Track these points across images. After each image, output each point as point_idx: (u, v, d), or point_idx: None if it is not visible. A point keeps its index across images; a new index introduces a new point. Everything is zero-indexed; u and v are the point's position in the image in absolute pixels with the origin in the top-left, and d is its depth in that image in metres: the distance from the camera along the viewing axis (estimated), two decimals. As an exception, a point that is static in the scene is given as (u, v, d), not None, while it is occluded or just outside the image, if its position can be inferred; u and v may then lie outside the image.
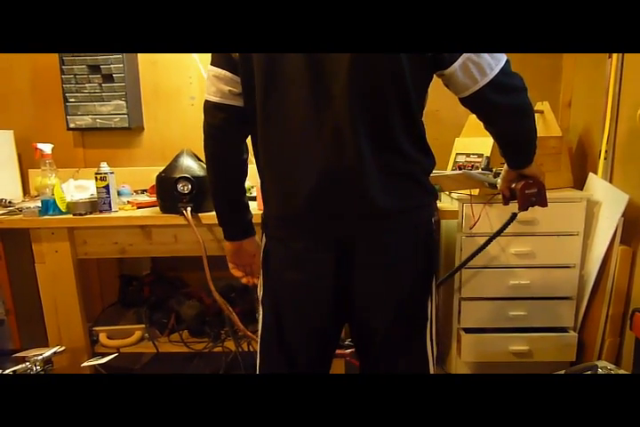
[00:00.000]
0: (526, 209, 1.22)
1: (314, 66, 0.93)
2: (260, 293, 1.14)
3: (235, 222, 1.20)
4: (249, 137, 1.11)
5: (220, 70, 1.02)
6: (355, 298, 1.04)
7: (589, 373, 1.57)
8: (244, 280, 1.26)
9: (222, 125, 1.07)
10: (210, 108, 1.07)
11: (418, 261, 1.04)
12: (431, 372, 1.11)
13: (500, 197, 1.29)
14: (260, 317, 1.14)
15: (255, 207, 1.13)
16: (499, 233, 1.58)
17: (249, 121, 1.04)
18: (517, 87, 0.98)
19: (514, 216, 1.45)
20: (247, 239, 1.21)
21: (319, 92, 0.93)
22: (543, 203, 1.21)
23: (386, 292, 1.04)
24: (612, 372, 1.62)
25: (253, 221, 1.22)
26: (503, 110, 0.99)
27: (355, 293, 1.04)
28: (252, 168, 1.12)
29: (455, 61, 0.92)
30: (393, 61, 0.92)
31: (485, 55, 0.92)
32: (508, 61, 0.95)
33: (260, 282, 1.14)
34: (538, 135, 1.08)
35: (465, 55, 0.91)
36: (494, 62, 0.92)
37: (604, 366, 1.64)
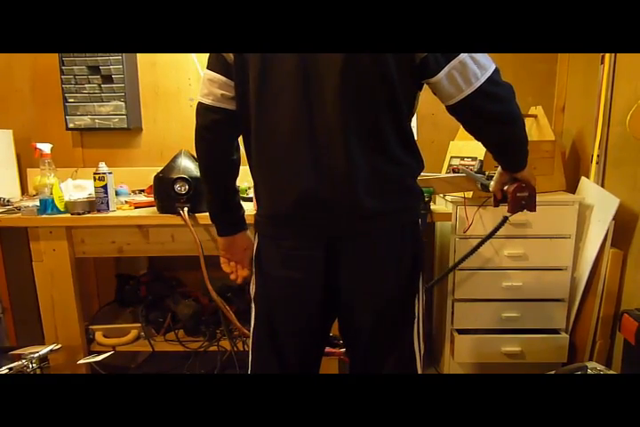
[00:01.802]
0: (515, 212, 1.24)
1: (305, 71, 0.95)
2: (252, 290, 1.16)
3: (226, 220, 1.24)
4: (240, 138, 1.14)
5: (214, 74, 1.05)
6: (342, 297, 1.07)
7: (579, 373, 1.60)
8: (232, 276, 1.28)
9: (213, 127, 1.10)
10: (202, 109, 1.10)
11: (404, 261, 1.06)
12: (419, 370, 1.12)
13: (492, 199, 1.31)
14: (252, 313, 1.16)
15: (251, 208, 1.15)
16: (490, 236, 1.60)
17: (242, 124, 1.07)
18: (503, 97, 0.99)
19: (505, 220, 1.47)
20: (239, 234, 1.25)
21: (310, 96, 0.96)
22: (532, 207, 1.23)
23: (371, 291, 1.06)
24: (602, 373, 1.64)
25: (249, 221, 1.24)
26: (487, 119, 1.00)
27: (342, 292, 1.06)
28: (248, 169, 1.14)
29: (441, 70, 0.93)
30: (382, 67, 0.94)
31: (472, 64, 0.93)
32: (496, 70, 0.96)
33: (252, 280, 1.16)
34: (531, 139, 1.10)
35: (450, 64, 0.93)
36: (480, 72, 0.94)
37: (594, 367, 1.67)
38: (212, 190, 1.20)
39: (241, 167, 1.19)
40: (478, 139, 1.08)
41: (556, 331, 1.97)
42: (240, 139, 1.14)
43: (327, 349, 1.32)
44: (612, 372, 1.66)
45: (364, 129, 0.97)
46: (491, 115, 0.99)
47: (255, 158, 1.07)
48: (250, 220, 1.18)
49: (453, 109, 1.00)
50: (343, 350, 1.36)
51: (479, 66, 0.94)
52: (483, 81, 0.94)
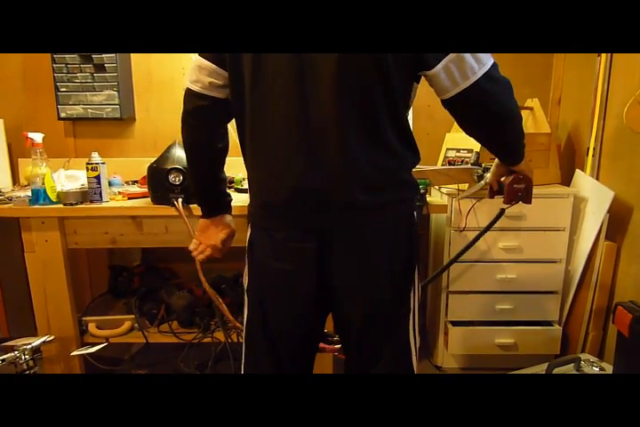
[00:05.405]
0: (510, 203, 1.23)
1: (300, 60, 0.94)
2: (245, 281, 1.16)
3: (207, 205, 1.27)
4: (229, 127, 1.14)
5: (204, 61, 1.04)
6: (335, 287, 1.06)
7: (572, 364, 1.61)
8: (193, 253, 1.31)
9: (198, 114, 1.11)
10: (189, 96, 1.10)
11: (398, 253, 1.05)
12: (414, 363, 1.12)
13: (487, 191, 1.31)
14: (245, 305, 1.15)
15: (246, 199, 1.16)
16: (487, 229, 1.60)
17: (235, 113, 1.06)
18: (500, 93, 0.97)
19: (502, 212, 1.47)
20: (217, 217, 1.28)
21: (305, 87, 0.95)
22: (528, 200, 1.22)
23: (364, 284, 1.05)
24: (595, 364, 1.66)
25: (243, 212, 1.24)
26: (481, 115, 0.99)
27: (335, 282, 1.05)
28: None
29: (438, 63, 0.92)
30: (378, 57, 0.92)
31: (470, 59, 0.91)
32: (494, 65, 0.94)
33: (245, 271, 1.16)
34: (527, 132, 1.09)
35: (448, 57, 0.91)
36: (478, 66, 0.92)
37: (587, 359, 1.68)
38: (195, 176, 1.24)
39: (236, 158, 1.17)
40: (473, 135, 1.07)
41: (549, 323, 1.98)
42: (230, 127, 1.13)
43: (321, 345, 1.32)
44: (604, 364, 1.68)
45: (360, 120, 0.96)
46: (487, 111, 0.98)
47: (249, 149, 1.06)
48: (244, 211, 1.18)
49: (449, 104, 0.98)
50: (337, 346, 1.36)
51: (477, 60, 0.92)
52: (480, 75, 0.92)
